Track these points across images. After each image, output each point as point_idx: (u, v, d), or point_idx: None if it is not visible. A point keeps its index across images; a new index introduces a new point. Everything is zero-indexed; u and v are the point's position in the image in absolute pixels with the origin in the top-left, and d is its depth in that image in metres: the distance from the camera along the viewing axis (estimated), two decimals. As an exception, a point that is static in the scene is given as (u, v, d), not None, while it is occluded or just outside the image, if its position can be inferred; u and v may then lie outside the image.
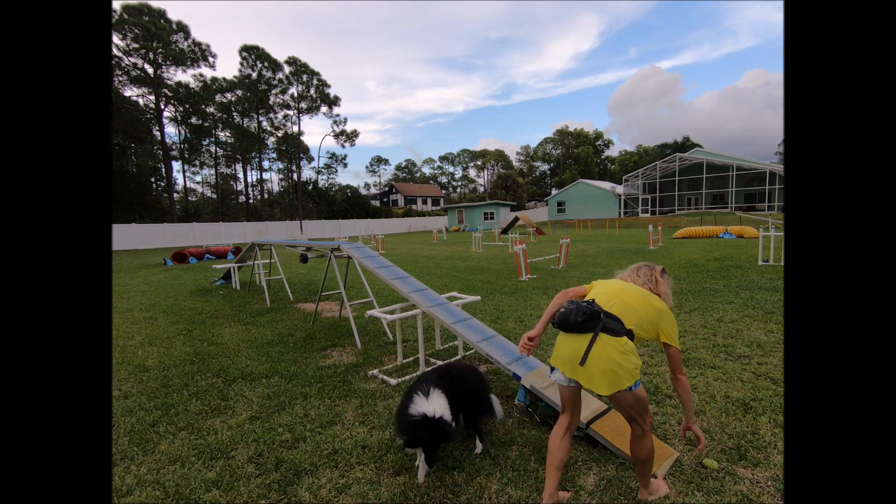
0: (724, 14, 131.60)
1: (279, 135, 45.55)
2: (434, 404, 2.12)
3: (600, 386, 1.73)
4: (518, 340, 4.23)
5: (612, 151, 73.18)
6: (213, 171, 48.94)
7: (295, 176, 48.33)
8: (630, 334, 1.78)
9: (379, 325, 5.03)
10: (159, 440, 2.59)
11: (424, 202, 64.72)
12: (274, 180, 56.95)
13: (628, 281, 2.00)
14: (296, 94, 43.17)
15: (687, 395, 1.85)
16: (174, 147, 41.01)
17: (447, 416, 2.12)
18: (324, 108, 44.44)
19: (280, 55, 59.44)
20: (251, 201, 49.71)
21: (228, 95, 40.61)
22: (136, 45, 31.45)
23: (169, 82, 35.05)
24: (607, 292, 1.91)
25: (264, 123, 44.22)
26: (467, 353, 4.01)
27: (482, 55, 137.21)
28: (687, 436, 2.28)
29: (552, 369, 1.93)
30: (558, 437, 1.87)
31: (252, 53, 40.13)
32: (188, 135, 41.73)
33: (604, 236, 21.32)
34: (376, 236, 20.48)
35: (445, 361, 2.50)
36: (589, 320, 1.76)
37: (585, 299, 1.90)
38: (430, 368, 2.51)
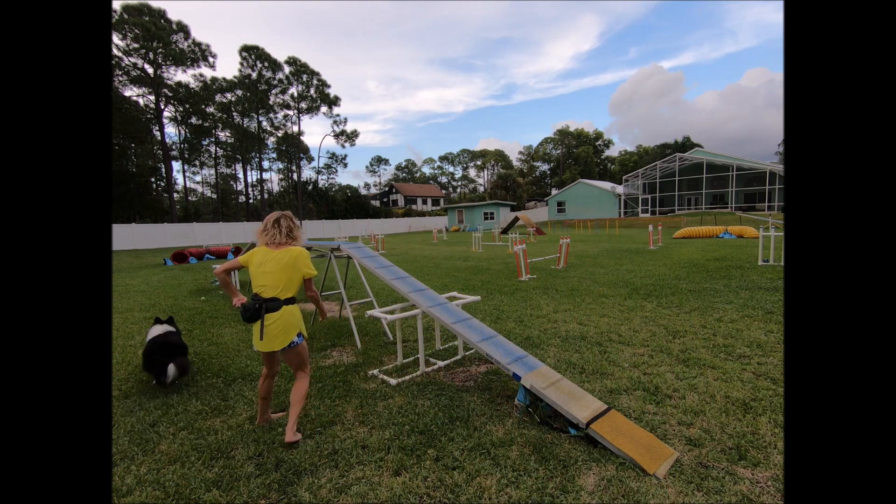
0: (724, 14, 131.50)
1: (279, 135, 45.50)
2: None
3: (276, 346, 2.50)
4: (518, 340, 4.23)
5: (613, 151, 73.31)
6: (213, 171, 48.99)
7: (295, 176, 48.35)
8: (289, 301, 2.52)
9: (379, 325, 5.03)
10: (159, 440, 2.59)
11: (424, 202, 64.72)
12: (274, 180, 57.00)
13: (272, 246, 2.54)
14: (296, 94, 43.13)
15: (315, 300, 2.80)
16: (174, 147, 40.97)
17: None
18: (324, 108, 44.39)
19: (280, 55, 59.38)
20: (251, 201, 49.69)
21: (228, 95, 40.53)
22: (136, 45, 31.39)
23: (169, 82, 35.00)
24: (258, 275, 2.51)
25: (264, 123, 44.13)
26: (467, 353, 4.01)
27: (482, 55, 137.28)
28: (688, 437, 2.20)
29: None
30: (261, 380, 2.70)
31: (252, 53, 40.08)
32: (188, 135, 41.68)
33: (604, 236, 21.32)
34: (376, 236, 20.48)
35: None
36: (253, 316, 2.45)
37: (255, 293, 2.52)
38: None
